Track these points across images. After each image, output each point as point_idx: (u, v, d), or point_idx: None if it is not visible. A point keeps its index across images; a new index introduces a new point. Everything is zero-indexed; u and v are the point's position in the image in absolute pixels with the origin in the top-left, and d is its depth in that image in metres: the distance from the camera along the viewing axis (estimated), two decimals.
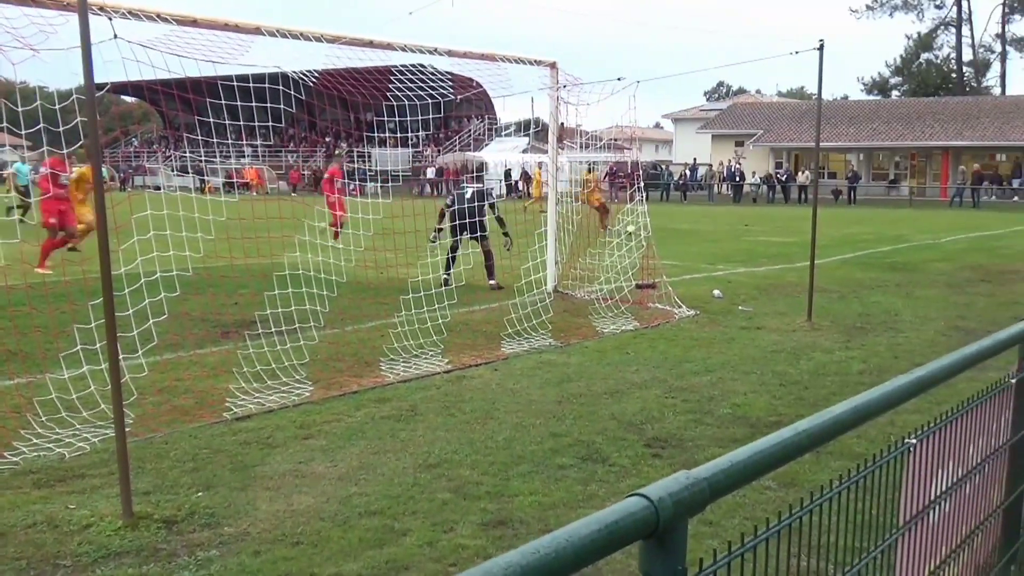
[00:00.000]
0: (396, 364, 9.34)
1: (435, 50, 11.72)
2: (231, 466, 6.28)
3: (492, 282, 14.79)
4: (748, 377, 9.07)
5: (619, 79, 12.51)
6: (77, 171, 17.21)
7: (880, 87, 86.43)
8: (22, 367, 8.22)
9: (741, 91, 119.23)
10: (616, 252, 13.32)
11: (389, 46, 11.16)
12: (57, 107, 7.44)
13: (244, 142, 75.12)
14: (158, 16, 9.11)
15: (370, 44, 10.97)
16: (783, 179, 56.30)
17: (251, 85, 9.38)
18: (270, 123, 10.54)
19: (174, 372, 8.69)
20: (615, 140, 14.86)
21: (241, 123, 10.42)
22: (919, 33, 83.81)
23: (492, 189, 16.11)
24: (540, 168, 33.06)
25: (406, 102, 11.25)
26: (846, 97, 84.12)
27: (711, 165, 61.73)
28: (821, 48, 11.49)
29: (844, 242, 25.97)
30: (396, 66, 11.61)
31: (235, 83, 9.45)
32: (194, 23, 9.44)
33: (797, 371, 9.36)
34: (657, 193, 58.52)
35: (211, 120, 10.19)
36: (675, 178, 60.58)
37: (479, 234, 14.85)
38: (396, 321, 10.24)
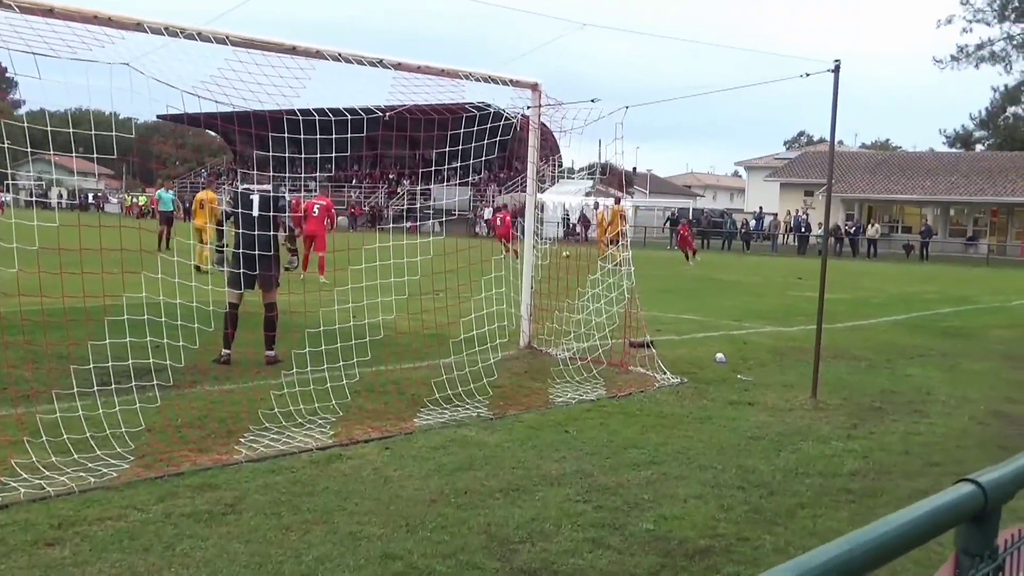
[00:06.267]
0: (266, 435, 7.51)
1: (380, 62, 10.02)
2: None
3: (270, 353, 10.45)
4: (702, 474, 7.04)
5: (593, 100, 10.62)
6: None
7: (963, 140, 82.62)
8: None
9: (823, 141, 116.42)
10: (592, 304, 11.34)
11: (318, 54, 9.50)
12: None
13: (306, 174, 74.95)
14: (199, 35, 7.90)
15: (293, 51, 9.32)
16: (851, 232, 53.43)
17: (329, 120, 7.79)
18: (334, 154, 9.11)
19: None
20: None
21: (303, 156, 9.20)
22: (1006, 86, 79.81)
23: (282, 194, 11.09)
24: (601, 209, 31.50)
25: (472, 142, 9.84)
26: (931, 150, 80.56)
27: (776, 214, 59.20)
28: (836, 70, 9.49)
29: (902, 301, 23.58)
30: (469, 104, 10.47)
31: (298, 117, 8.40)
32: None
33: (770, 468, 7.29)
34: (719, 242, 56.29)
35: (279, 154, 9.12)
36: (738, 227, 58.10)
37: (270, 274, 10.34)
38: (283, 381, 8.41)
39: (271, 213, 10.16)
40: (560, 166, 16.27)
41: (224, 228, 10.68)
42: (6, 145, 7.30)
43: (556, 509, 6.09)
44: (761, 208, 61.10)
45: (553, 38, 9.53)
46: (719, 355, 12.29)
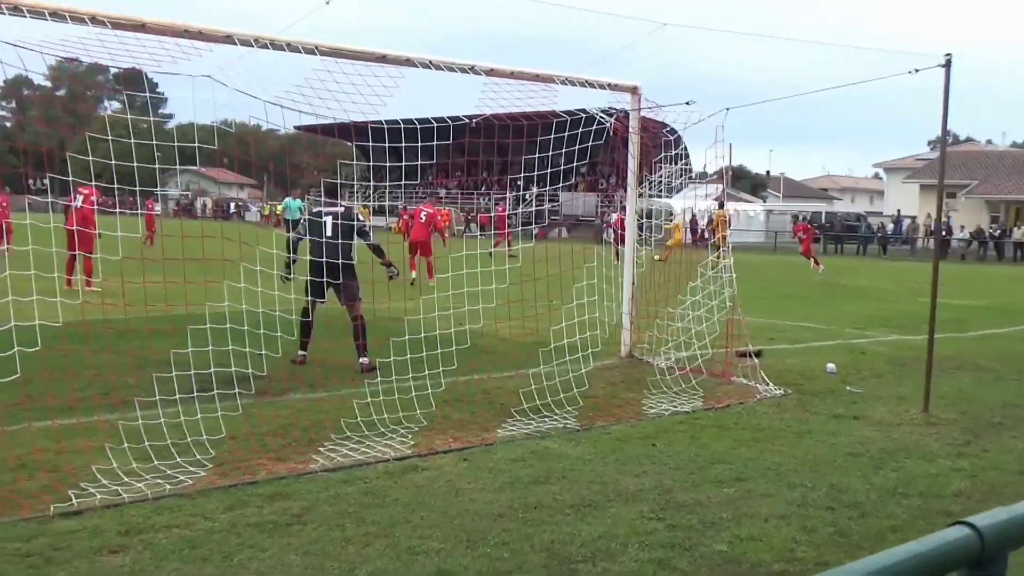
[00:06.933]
0: (346, 445, 7.51)
1: (471, 68, 9.95)
2: None
3: (364, 360, 10.45)
4: (789, 492, 6.68)
5: (688, 103, 10.31)
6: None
7: None
8: None
9: (969, 140, 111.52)
10: (693, 312, 10.99)
11: (408, 61, 9.52)
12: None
13: (436, 183, 75.99)
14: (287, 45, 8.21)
15: (383, 59, 9.35)
16: (996, 235, 50.82)
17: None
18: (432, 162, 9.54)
19: (72, 441, 7.15)
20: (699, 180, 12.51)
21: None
22: None
23: (359, 213, 11.42)
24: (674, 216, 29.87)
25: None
26: None
27: (914, 217, 56.78)
28: (948, 65, 8.94)
29: None
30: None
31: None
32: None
33: (865, 487, 6.86)
34: (854, 246, 54.42)
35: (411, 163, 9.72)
36: (875, 231, 55.99)
37: (348, 290, 10.49)
38: (368, 390, 8.40)
39: (345, 226, 10.48)
40: (689, 171, 15.81)
41: (296, 239, 10.85)
42: (125, 162, 7.54)
43: (626, 527, 5.86)
44: (899, 211, 58.77)
45: (633, 40, 9.29)
46: (830, 365, 11.75)
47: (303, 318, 10.56)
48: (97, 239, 15.92)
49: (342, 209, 10.89)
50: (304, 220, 11.07)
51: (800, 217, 50.09)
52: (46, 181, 8.05)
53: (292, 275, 10.50)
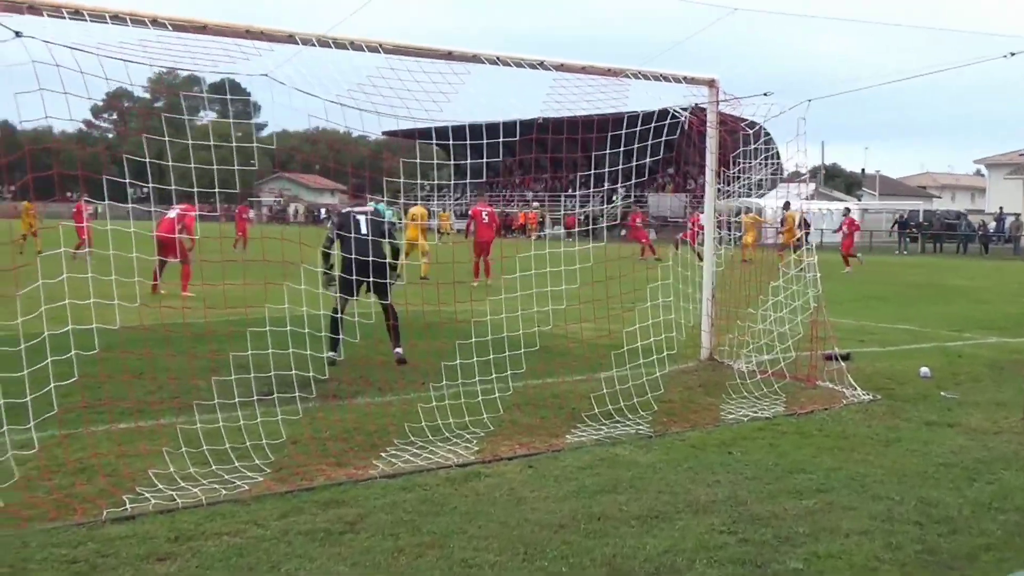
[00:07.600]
0: (408, 450, 7.30)
1: (541, 64, 9.70)
2: None
3: (399, 351, 10.82)
4: (874, 505, 6.24)
5: (765, 94, 9.87)
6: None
7: None
8: None
9: None
10: (774, 313, 10.52)
11: (475, 58, 9.31)
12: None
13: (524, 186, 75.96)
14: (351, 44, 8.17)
15: (448, 56, 9.15)
16: None
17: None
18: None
19: (133, 444, 7.11)
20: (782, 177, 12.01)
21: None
22: None
23: (388, 213, 11.97)
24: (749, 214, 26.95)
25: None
26: None
27: (1018, 215, 54.58)
28: None
29: None
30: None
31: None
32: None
33: (958, 501, 6.38)
34: (953, 245, 52.61)
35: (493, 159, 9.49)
36: (975, 229, 54.00)
37: (386, 284, 10.46)
38: (433, 394, 8.20)
39: (377, 223, 10.81)
40: (778, 169, 15.22)
41: (331, 251, 10.73)
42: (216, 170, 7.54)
43: (694, 540, 5.51)
44: (1001, 208, 56.62)
45: (702, 28, 8.93)
46: (924, 369, 11.15)
47: (336, 315, 10.31)
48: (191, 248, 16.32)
49: (371, 208, 11.16)
50: (338, 218, 11.20)
51: (847, 210, 47.59)
52: (145, 190, 8.07)
53: (335, 281, 10.48)
